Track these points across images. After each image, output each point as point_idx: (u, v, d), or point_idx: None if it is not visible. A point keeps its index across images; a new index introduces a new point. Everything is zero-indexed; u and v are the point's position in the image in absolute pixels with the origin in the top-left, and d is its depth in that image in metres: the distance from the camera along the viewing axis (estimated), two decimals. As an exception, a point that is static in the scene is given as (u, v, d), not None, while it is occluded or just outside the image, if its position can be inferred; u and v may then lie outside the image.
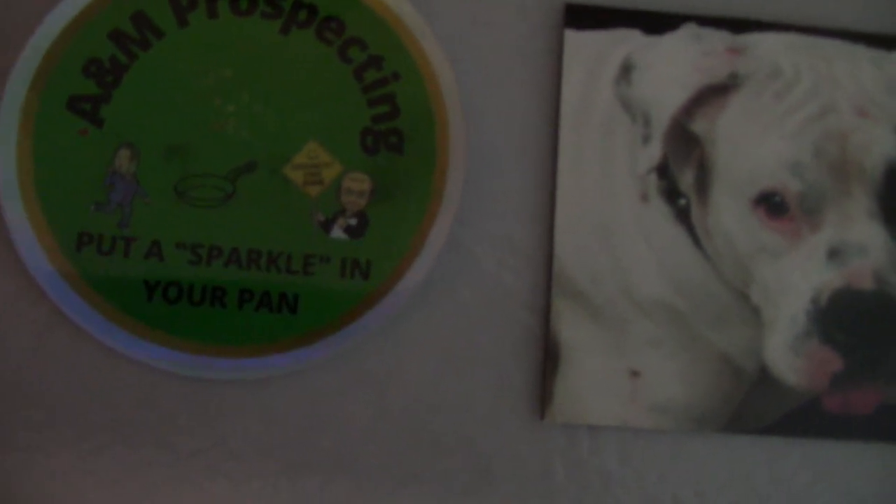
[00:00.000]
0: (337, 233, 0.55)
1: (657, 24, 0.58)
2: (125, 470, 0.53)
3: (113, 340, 0.53)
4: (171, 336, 0.54)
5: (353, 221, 0.55)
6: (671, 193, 0.57)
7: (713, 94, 0.58)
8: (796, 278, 0.56)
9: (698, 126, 0.57)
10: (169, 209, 0.54)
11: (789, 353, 0.56)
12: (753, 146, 0.57)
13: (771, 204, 0.57)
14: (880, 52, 0.59)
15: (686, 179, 0.57)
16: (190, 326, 0.54)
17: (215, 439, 0.54)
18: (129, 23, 0.56)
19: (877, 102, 0.58)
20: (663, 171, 0.57)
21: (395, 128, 0.56)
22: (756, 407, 0.56)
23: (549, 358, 0.55)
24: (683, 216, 0.57)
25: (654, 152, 0.57)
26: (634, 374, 0.56)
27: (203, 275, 0.54)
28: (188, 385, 0.54)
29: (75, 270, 0.54)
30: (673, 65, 0.58)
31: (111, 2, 0.56)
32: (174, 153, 0.55)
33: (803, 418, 0.56)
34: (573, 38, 0.58)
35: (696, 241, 0.57)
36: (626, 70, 0.58)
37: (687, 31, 0.58)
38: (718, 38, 0.58)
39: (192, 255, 0.54)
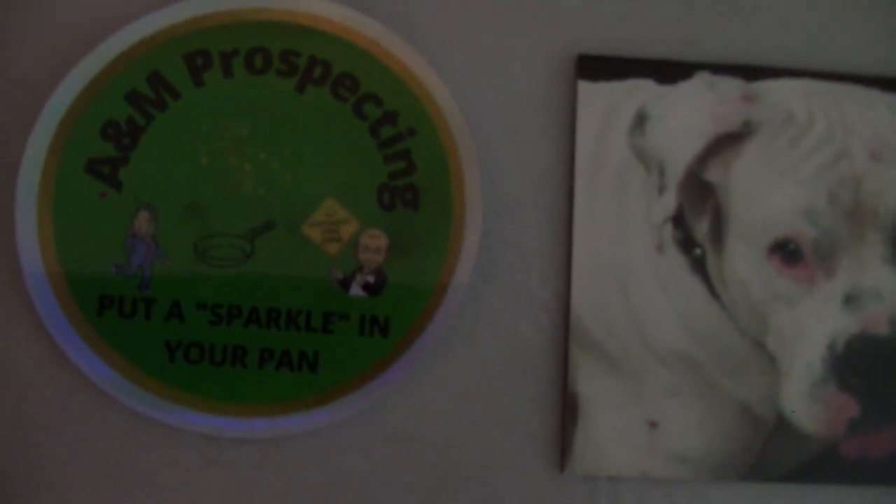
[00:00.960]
0: (355, 290, 0.55)
1: (670, 73, 0.58)
2: (151, 531, 0.54)
3: (136, 402, 0.54)
4: (192, 396, 0.54)
5: (371, 278, 0.55)
6: (687, 243, 0.57)
7: (727, 142, 0.58)
8: (812, 325, 0.57)
9: (713, 175, 0.58)
10: (188, 270, 0.55)
11: (807, 401, 0.56)
12: (768, 193, 0.57)
13: (786, 251, 0.57)
14: (894, 95, 0.59)
15: (701, 229, 0.57)
16: (211, 386, 0.54)
17: (238, 497, 0.54)
18: (146, 83, 0.56)
19: (891, 146, 0.58)
20: (678, 220, 0.57)
21: (411, 183, 0.56)
22: (774, 454, 0.56)
23: (567, 410, 0.56)
24: (699, 266, 0.57)
25: (669, 202, 0.57)
26: (653, 424, 0.56)
27: (224, 335, 0.55)
28: (211, 445, 0.55)
29: (97, 334, 0.54)
30: (687, 114, 0.58)
31: (128, 63, 0.56)
32: (192, 213, 0.55)
33: (821, 465, 0.56)
34: (586, 88, 0.58)
35: (712, 291, 0.57)
36: (640, 120, 0.58)
37: (700, 80, 0.58)
38: (732, 86, 0.58)
39: (213, 315, 0.55)
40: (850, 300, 0.57)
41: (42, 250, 0.54)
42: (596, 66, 0.58)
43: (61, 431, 0.54)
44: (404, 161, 0.56)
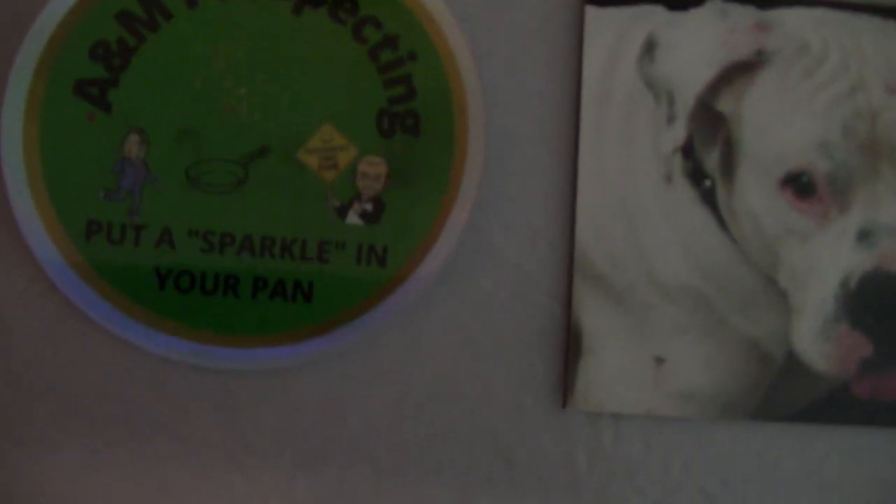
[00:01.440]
0: (352, 218, 0.53)
1: (681, -1, 0.56)
2: (139, 464, 0.52)
3: (125, 331, 0.52)
4: (183, 325, 0.52)
5: (369, 206, 0.54)
6: (696, 175, 0.55)
7: (739, 71, 0.56)
8: (825, 261, 0.55)
9: (724, 105, 0.56)
10: (180, 196, 0.53)
11: (818, 339, 0.54)
12: (781, 125, 0.55)
13: (799, 184, 0.55)
14: (911, 26, 0.57)
15: (711, 160, 0.55)
16: (202, 316, 0.52)
17: (230, 432, 0.53)
18: (137, 3, 0.54)
19: (908, 79, 0.56)
20: (688, 151, 0.55)
21: (411, 110, 0.54)
22: (783, 394, 0.54)
23: (571, 346, 0.54)
24: (709, 198, 0.55)
25: (678, 132, 0.55)
26: (659, 360, 0.54)
27: (215, 263, 0.53)
28: (202, 376, 0.53)
29: (85, 260, 0.52)
30: (698, 42, 0.56)
31: (118, -18, 0.54)
32: (185, 138, 0.53)
33: (832, 405, 0.55)
34: (594, 14, 0.56)
35: (722, 224, 0.55)
36: (650, 48, 0.56)
37: (712, 7, 0.56)
38: (745, 14, 0.56)
39: (204, 242, 0.53)
40: (865, 236, 0.55)
41: (28, 174, 0.52)
42: (604, -8, 0.56)
43: (47, 360, 0.52)
44: (404, 86, 0.54)
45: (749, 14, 0.56)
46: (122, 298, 0.52)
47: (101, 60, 0.54)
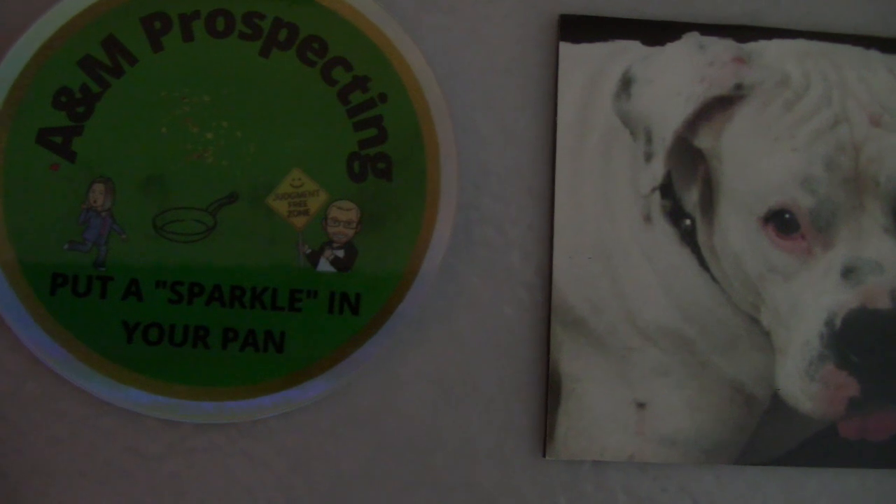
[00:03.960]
0: (324, 266, 0.52)
1: (658, 34, 0.55)
2: (109, 522, 0.51)
3: (93, 386, 0.51)
4: (152, 380, 0.51)
5: (341, 253, 0.52)
6: (675, 213, 0.54)
7: (718, 106, 0.55)
8: (809, 299, 0.53)
9: (703, 141, 0.54)
10: (147, 246, 0.52)
11: (803, 379, 0.53)
12: (761, 160, 0.54)
13: (781, 221, 0.54)
14: (894, 57, 0.56)
15: (691, 198, 0.54)
16: (172, 369, 0.51)
17: (202, 485, 0.51)
18: (101, 49, 0.53)
19: (891, 110, 0.55)
20: (667, 190, 0.54)
21: (382, 153, 0.53)
22: (769, 436, 0.53)
23: (550, 391, 0.53)
24: (689, 237, 0.54)
25: (656, 170, 0.54)
26: (640, 405, 0.53)
27: (184, 314, 0.52)
28: (173, 430, 0.52)
29: (50, 314, 0.51)
30: (675, 77, 0.55)
31: (81, 27, 0.53)
32: (151, 186, 0.52)
33: (819, 446, 0.53)
34: (569, 51, 0.55)
35: (703, 263, 0.54)
36: (626, 84, 0.55)
37: (689, 41, 0.55)
38: (723, 47, 0.55)
39: (173, 293, 0.52)
40: (849, 273, 0.54)
41: (-9, 226, 0.51)
42: (579, 27, 0.55)
43: (13, 418, 0.51)
44: (375, 129, 0.53)
45: (727, 47, 0.55)
46: (88, 352, 0.51)
47: (64, 108, 0.52)
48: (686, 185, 0.54)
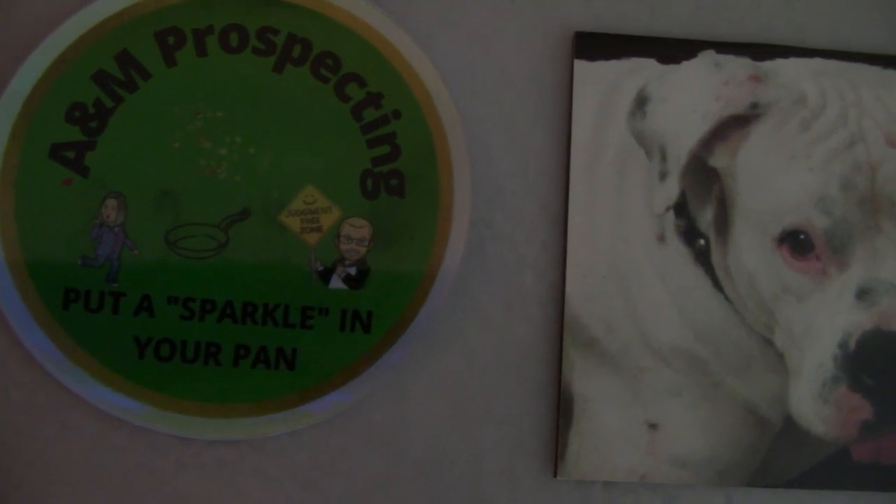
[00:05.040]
0: (336, 283, 0.52)
1: (673, 51, 0.55)
2: (119, 538, 0.51)
3: (104, 402, 0.51)
4: (163, 396, 0.51)
5: (353, 270, 0.52)
6: (689, 233, 0.54)
7: (734, 125, 0.54)
8: (823, 320, 0.53)
9: (718, 160, 0.54)
10: (159, 261, 0.52)
11: (816, 401, 0.53)
12: (777, 180, 0.54)
13: (796, 242, 0.53)
14: (912, 75, 0.55)
15: (705, 218, 0.54)
16: (183, 385, 0.51)
17: (213, 501, 0.51)
18: (114, 63, 0.53)
19: (908, 130, 0.55)
20: (681, 209, 0.54)
21: (395, 170, 0.53)
22: (782, 458, 0.53)
23: (562, 410, 0.52)
24: (703, 257, 0.54)
25: (671, 189, 0.54)
26: (652, 425, 0.53)
27: (196, 330, 0.52)
28: (184, 446, 0.52)
29: (63, 329, 0.51)
30: (691, 95, 0.54)
31: (95, 41, 0.53)
32: (164, 201, 0.52)
33: (832, 469, 0.53)
34: (584, 68, 0.55)
35: (717, 284, 0.53)
36: (641, 102, 0.54)
37: (705, 59, 0.55)
38: (739, 66, 0.55)
39: (185, 309, 0.52)
40: (864, 294, 0.53)
41: (4, 242, 0.51)
42: (594, 45, 0.55)
43: (26, 432, 0.51)
44: (388, 146, 0.53)
45: (744, 65, 0.55)
46: (100, 368, 0.51)
47: (77, 123, 0.52)
48: (700, 205, 0.54)
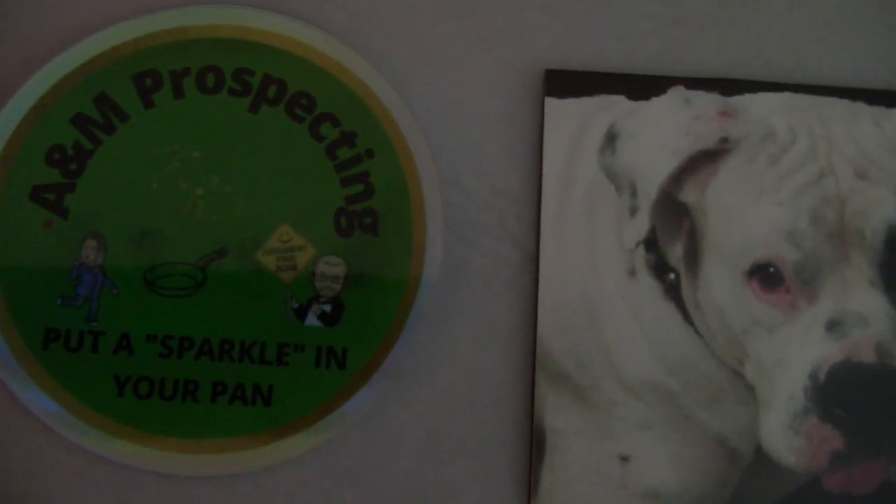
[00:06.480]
0: (312, 320, 0.53)
1: (643, 88, 0.56)
2: (100, 573, 0.52)
3: (84, 439, 0.52)
4: (142, 433, 0.52)
5: (328, 308, 0.53)
6: (660, 268, 0.54)
7: (704, 160, 0.55)
8: (793, 353, 0.54)
9: (688, 195, 0.55)
10: (138, 300, 0.53)
11: (787, 433, 0.53)
12: (746, 214, 0.54)
13: (765, 275, 0.54)
14: (881, 109, 0.56)
15: (675, 252, 0.54)
16: (162, 422, 0.52)
17: (191, 538, 0.53)
18: (93, 106, 0.54)
19: (876, 163, 0.55)
20: (651, 244, 0.54)
21: (369, 208, 0.54)
22: (752, 490, 0.54)
23: (534, 445, 0.53)
24: (673, 291, 0.54)
25: (641, 225, 0.54)
26: (624, 459, 0.53)
27: (174, 368, 0.53)
28: (162, 483, 0.53)
29: (43, 368, 0.52)
30: (661, 131, 0.55)
31: (74, 85, 0.54)
32: (142, 241, 0.53)
33: (802, 500, 0.54)
34: (554, 105, 0.55)
35: (687, 318, 0.54)
36: (611, 138, 0.55)
37: (675, 95, 0.56)
38: (708, 101, 0.56)
39: (163, 347, 0.53)
40: (834, 326, 0.54)
41: (-15, 282, 0.52)
42: (564, 82, 0.56)
43: (7, 469, 0.52)
44: (362, 184, 0.54)
45: (713, 101, 0.56)
46: (80, 406, 0.52)
47: (57, 165, 0.53)
48: (671, 240, 0.54)
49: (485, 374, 0.54)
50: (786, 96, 0.56)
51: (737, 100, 0.56)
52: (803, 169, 0.55)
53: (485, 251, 0.55)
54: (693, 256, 0.54)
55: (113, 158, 0.54)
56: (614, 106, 0.55)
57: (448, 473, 0.53)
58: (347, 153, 0.54)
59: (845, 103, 0.56)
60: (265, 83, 0.55)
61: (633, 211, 0.55)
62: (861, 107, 0.56)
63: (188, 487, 0.53)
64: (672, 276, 0.54)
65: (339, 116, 0.54)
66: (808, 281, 0.54)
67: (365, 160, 0.54)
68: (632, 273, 0.54)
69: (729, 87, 0.56)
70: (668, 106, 0.55)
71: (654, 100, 0.56)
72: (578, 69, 0.56)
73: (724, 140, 0.55)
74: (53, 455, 0.53)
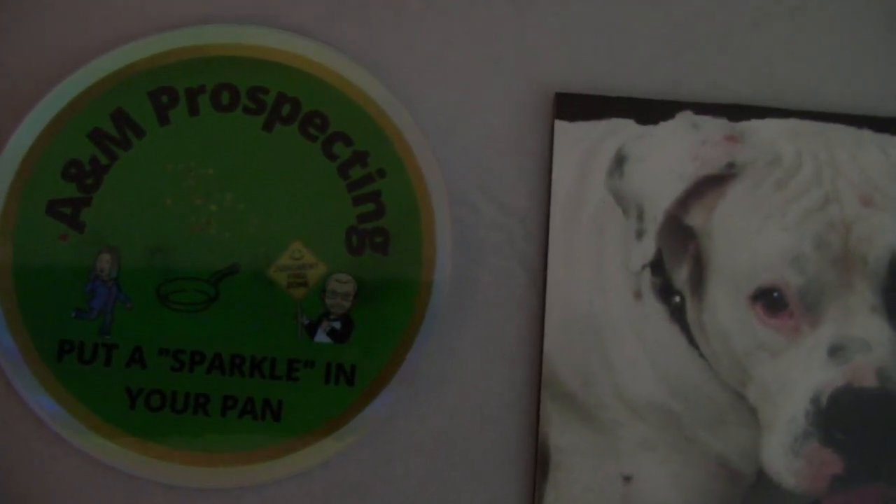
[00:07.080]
0: (321, 337, 0.54)
1: (651, 112, 0.56)
2: (109, 583, 0.53)
3: (96, 451, 0.53)
4: (153, 445, 0.53)
5: (338, 325, 0.54)
6: (665, 291, 0.55)
7: (710, 184, 0.56)
8: (795, 377, 0.54)
9: (694, 219, 0.55)
10: (151, 314, 0.54)
11: (788, 455, 0.54)
12: (751, 239, 0.55)
13: (769, 300, 0.55)
14: (886, 136, 0.57)
15: (681, 276, 0.55)
16: (173, 435, 0.53)
17: (200, 549, 0.53)
18: (110, 121, 0.55)
19: (881, 190, 0.56)
20: (657, 267, 0.55)
21: (380, 227, 0.55)
22: (753, 511, 0.54)
23: (539, 463, 0.54)
24: (678, 314, 0.55)
25: (647, 248, 0.55)
26: (627, 479, 0.54)
27: (186, 382, 0.53)
28: (171, 494, 0.53)
29: (57, 380, 0.53)
30: (668, 155, 0.56)
31: (91, 101, 0.55)
32: (156, 256, 0.54)
33: (802, 522, 0.54)
34: (564, 129, 0.56)
35: (691, 340, 0.55)
36: (619, 162, 0.56)
37: (683, 120, 0.56)
38: (716, 126, 0.56)
39: (175, 361, 0.53)
40: (836, 351, 0.54)
41: (1, 295, 0.53)
42: (574, 105, 0.56)
43: (20, 480, 0.53)
44: (373, 203, 0.55)
45: (720, 126, 0.56)
46: (93, 418, 0.53)
47: (73, 180, 0.54)
48: (676, 263, 0.55)
49: (491, 391, 0.55)
50: (792, 122, 0.57)
51: (744, 125, 0.56)
52: (808, 194, 0.56)
53: (493, 270, 0.56)
54: (698, 280, 0.55)
55: (129, 173, 0.55)
56: (623, 129, 0.56)
57: (454, 489, 0.54)
58: (359, 172, 0.55)
59: (851, 130, 0.57)
60: (279, 102, 0.55)
61: (640, 234, 0.55)
62: (867, 134, 0.57)
63: (195, 499, 0.53)
64: (677, 298, 0.55)
65: (351, 136, 0.55)
66: (812, 306, 0.55)
67: (376, 179, 0.55)
68: (638, 295, 0.55)
69: (736, 112, 0.56)
70: (676, 130, 0.56)
71: (663, 124, 0.56)
72: (588, 93, 0.57)
73: (731, 165, 0.56)
74: (66, 466, 0.53)
